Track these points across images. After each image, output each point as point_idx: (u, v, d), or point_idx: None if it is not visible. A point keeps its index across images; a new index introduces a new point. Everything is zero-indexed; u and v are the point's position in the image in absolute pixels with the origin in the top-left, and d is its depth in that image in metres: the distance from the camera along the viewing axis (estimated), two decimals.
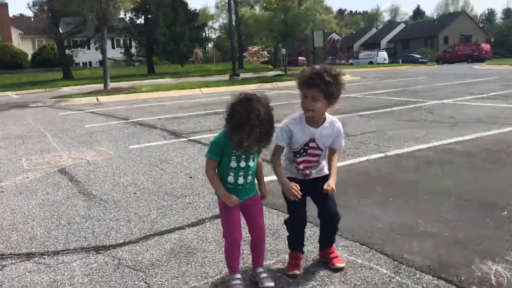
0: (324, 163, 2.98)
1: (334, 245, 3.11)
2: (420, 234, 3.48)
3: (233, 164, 2.65)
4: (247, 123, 2.49)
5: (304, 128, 2.82)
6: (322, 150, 2.89)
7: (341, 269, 2.96)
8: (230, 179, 2.68)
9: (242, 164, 2.67)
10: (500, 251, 3.12)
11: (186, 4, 40.35)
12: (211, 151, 2.68)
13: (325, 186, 2.82)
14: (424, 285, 2.72)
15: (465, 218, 3.75)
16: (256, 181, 2.86)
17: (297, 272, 2.92)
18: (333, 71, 2.68)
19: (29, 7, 64.96)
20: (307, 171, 2.92)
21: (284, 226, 3.11)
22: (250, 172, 2.72)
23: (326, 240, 3.07)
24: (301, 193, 2.75)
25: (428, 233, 3.47)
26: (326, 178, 2.90)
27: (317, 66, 2.72)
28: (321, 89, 2.66)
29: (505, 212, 3.82)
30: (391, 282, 2.79)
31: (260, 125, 2.52)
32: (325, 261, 3.06)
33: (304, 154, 2.87)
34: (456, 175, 4.96)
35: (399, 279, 2.82)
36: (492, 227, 3.54)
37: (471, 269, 2.88)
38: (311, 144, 2.85)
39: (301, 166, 2.90)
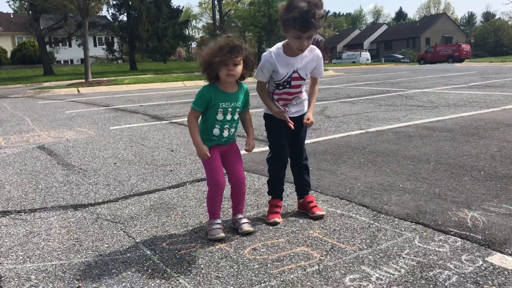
0: (305, 94, 2.97)
1: (312, 195, 3.14)
2: (399, 189, 3.51)
3: (220, 116, 2.65)
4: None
5: (284, 59, 2.75)
6: (304, 80, 2.86)
7: (321, 217, 2.97)
8: (216, 131, 2.68)
9: (228, 117, 2.67)
10: (476, 201, 3.17)
11: (169, 0, 40.08)
12: (196, 102, 2.66)
13: (305, 120, 2.86)
14: (403, 229, 2.75)
15: (443, 177, 3.80)
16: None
17: (277, 219, 2.92)
18: (319, 2, 2.52)
19: (8, 3, 63.65)
20: (286, 108, 2.90)
21: (265, 186, 3.13)
22: (234, 125, 2.73)
23: (302, 185, 3.08)
24: (285, 128, 2.84)
25: (407, 189, 3.51)
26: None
27: (313, 4, 2.50)
28: (316, 27, 2.56)
29: (482, 172, 3.89)
30: (370, 227, 2.80)
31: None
32: (305, 212, 3.07)
33: (288, 86, 2.82)
34: (436, 145, 5.02)
35: (378, 224, 2.84)
36: (470, 183, 3.59)
37: (448, 215, 2.92)
38: (294, 75, 2.80)
39: (280, 102, 2.88)
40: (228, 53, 2.51)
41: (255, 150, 5.31)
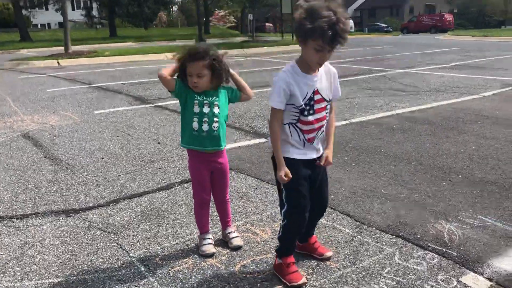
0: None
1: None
2: (381, 196, 3.67)
3: (196, 109, 2.63)
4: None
5: (302, 78, 2.32)
6: (328, 102, 2.42)
7: (329, 258, 2.72)
8: (195, 125, 2.64)
9: (206, 109, 2.64)
10: (453, 211, 3.35)
11: None
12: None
13: (323, 159, 2.50)
14: (384, 243, 2.91)
15: (423, 180, 3.97)
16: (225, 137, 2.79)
17: (305, 279, 2.49)
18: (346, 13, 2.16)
19: None
20: (314, 136, 2.44)
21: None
22: (216, 120, 2.67)
23: (311, 231, 2.77)
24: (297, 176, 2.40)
25: (388, 196, 3.66)
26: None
27: (341, 16, 2.13)
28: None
29: (460, 176, 4.07)
30: (353, 240, 2.96)
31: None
32: (308, 253, 2.76)
33: (312, 111, 2.36)
34: (417, 141, 5.19)
35: (361, 238, 2.99)
36: (448, 189, 3.77)
37: (427, 228, 3.09)
38: (316, 97, 2.35)
39: (309, 134, 2.41)
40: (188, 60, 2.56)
41: (240, 144, 5.44)
